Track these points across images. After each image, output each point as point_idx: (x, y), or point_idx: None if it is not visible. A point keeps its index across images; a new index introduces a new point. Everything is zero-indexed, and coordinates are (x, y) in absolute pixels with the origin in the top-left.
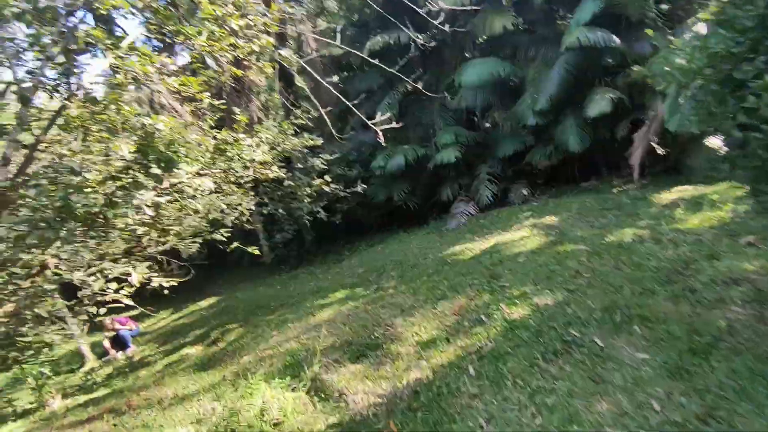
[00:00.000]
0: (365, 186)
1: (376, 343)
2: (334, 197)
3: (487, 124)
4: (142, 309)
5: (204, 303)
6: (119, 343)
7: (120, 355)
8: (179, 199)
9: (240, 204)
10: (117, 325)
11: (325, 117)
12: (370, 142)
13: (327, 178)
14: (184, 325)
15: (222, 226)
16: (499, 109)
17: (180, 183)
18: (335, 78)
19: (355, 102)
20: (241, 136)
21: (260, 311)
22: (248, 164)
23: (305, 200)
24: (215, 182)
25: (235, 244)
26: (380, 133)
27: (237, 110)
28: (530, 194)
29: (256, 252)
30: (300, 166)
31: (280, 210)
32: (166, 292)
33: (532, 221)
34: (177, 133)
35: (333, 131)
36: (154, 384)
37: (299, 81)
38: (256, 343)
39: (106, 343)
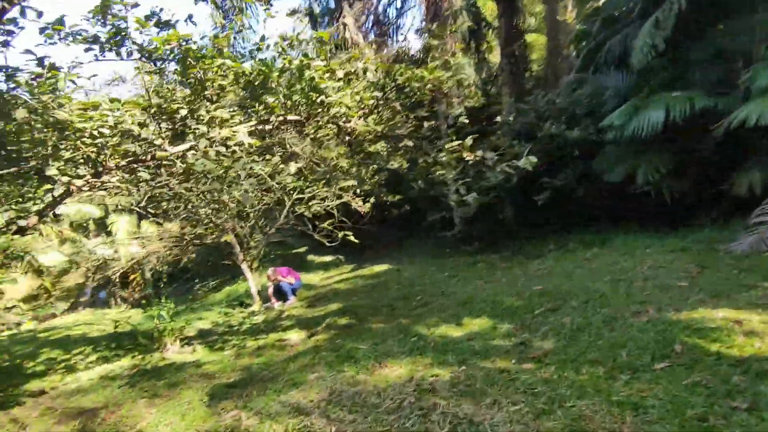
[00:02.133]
0: (533, 159)
1: None
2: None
3: None
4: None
5: (377, 269)
6: (280, 293)
7: (278, 305)
8: None
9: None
10: (279, 276)
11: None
12: (619, 87)
13: (468, 141)
14: (336, 291)
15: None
16: None
17: None
18: None
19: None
20: None
21: (401, 303)
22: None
23: (444, 171)
24: None
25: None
26: None
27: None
28: None
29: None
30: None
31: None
32: None
33: None
34: None
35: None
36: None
37: None
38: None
39: (270, 291)
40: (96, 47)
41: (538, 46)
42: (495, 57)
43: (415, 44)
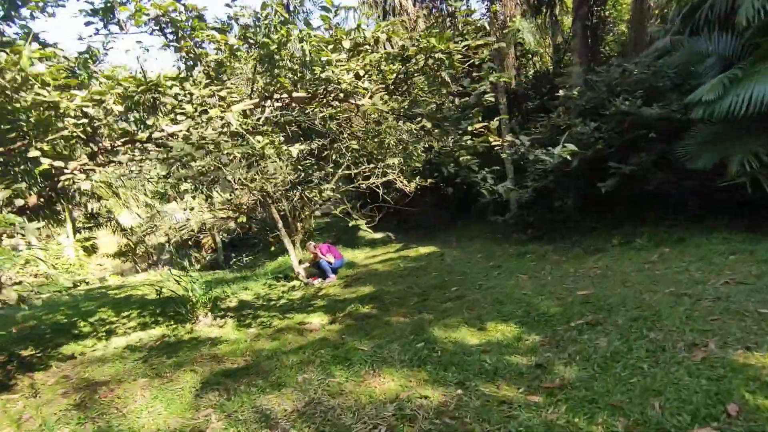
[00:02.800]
0: (571, 147)
1: None
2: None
3: None
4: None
5: (422, 250)
6: (320, 270)
7: (317, 282)
8: None
9: None
10: (318, 253)
11: None
12: (722, 53)
13: (495, 123)
14: (375, 272)
15: None
16: None
17: None
18: None
19: None
20: None
21: (434, 293)
22: None
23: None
24: None
25: None
26: None
27: None
28: None
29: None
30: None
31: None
32: None
33: None
34: None
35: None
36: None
37: None
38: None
39: (307, 266)
40: (96, 19)
41: (626, 7)
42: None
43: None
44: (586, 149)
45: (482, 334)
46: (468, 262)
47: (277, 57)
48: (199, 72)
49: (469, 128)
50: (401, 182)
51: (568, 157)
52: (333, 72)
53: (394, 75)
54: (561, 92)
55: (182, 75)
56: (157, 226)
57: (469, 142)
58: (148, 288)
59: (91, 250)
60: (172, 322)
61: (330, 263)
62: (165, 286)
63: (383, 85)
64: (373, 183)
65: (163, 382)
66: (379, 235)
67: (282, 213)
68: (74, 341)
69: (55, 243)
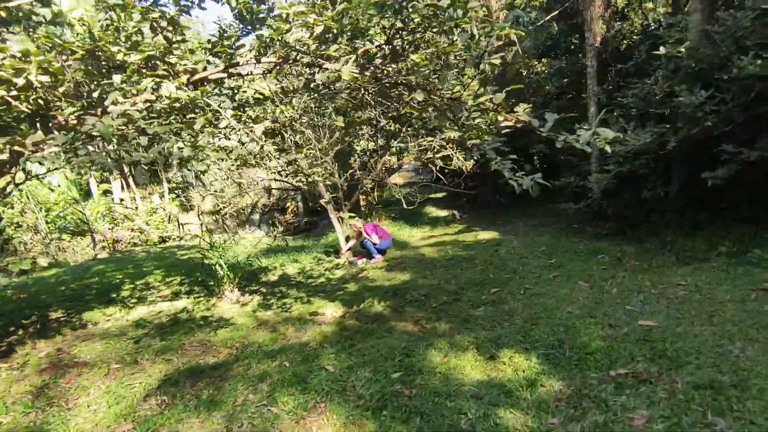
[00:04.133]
0: (609, 133)
1: None
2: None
3: None
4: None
5: (481, 235)
6: (365, 249)
7: (360, 262)
8: None
9: None
10: (363, 233)
11: None
12: None
13: (500, 96)
14: (421, 259)
15: None
16: None
17: None
18: None
19: None
20: None
21: (468, 295)
22: None
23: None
24: None
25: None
26: None
27: None
28: None
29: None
30: None
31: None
32: None
33: None
34: None
35: None
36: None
37: None
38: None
39: (351, 244)
40: None
41: None
42: None
43: None
44: (691, 126)
45: (488, 367)
46: (525, 257)
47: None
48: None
49: (470, 102)
50: (458, 158)
51: (607, 149)
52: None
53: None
54: (662, 49)
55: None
56: (241, 189)
57: (478, 120)
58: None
59: (186, 208)
60: (202, 295)
61: (375, 244)
62: (205, 255)
63: (363, 49)
64: (431, 158)
65: (131, 372)
66: (443, 213)
67: (332, 185)
68: (103, 306)
69: (148, 202)
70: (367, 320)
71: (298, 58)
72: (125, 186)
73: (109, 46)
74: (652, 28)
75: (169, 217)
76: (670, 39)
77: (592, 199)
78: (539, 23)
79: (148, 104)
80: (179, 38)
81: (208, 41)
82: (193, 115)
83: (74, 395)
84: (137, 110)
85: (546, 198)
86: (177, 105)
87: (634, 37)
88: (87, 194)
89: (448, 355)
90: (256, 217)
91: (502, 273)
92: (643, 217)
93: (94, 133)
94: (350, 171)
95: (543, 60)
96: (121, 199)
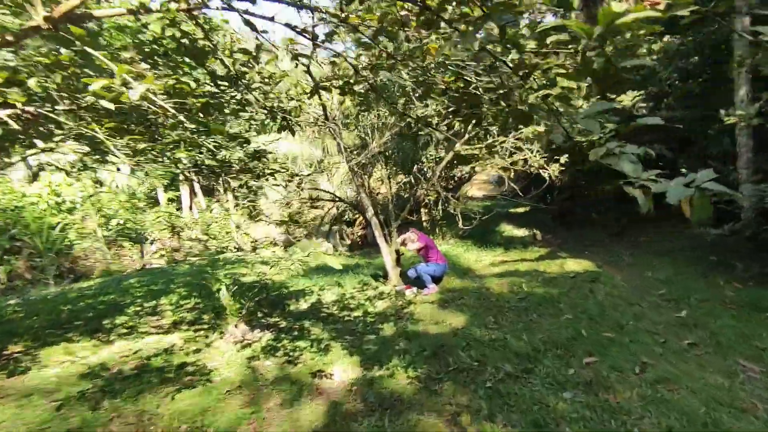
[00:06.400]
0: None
1: None
2: None
3: None
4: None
5: (570, 264)
6: (419, 277)
7: (410, 292)
8: None
9: None
10: (410, 245)
11: None
12: None
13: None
14: (485, 295)
15: None
16: None
17: None
18: None
19: None
20: None
21: (544, 362)
22: None
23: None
24: None
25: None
26: None
27: None
28: None
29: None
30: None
31: None
32: None
33: None
34: None
35: None
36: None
37: None
38: None
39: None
40: None
41: None
42: None
43: None
44: None
45: None
46: (636, 303)
47: None
48: None
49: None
50: (536, 162)
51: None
52: None
53: None
54: None
55: None
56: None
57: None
58: (262, 266)
59: (254, 216)
60: (204, 328)
61: (429, 266)
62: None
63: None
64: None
65: None
66: (521, 233)
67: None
68: (83, 338)
69: (208, 210)
70: (378, 402)
71: None
72: (192, 194)
73: None
74: None
75: (237, 226)
76: None
77: (743, 221)
78: None
79: None
80: None
81: None
82: None
83: None
84: None
85: (662, 215)
86: None
87: None
88: (155, 201)
89: None
90: (325, 228)
91: (599, 328)
92: None
93: None
94: (402, 181)
95: (664, 38)
96: (189, 207)
